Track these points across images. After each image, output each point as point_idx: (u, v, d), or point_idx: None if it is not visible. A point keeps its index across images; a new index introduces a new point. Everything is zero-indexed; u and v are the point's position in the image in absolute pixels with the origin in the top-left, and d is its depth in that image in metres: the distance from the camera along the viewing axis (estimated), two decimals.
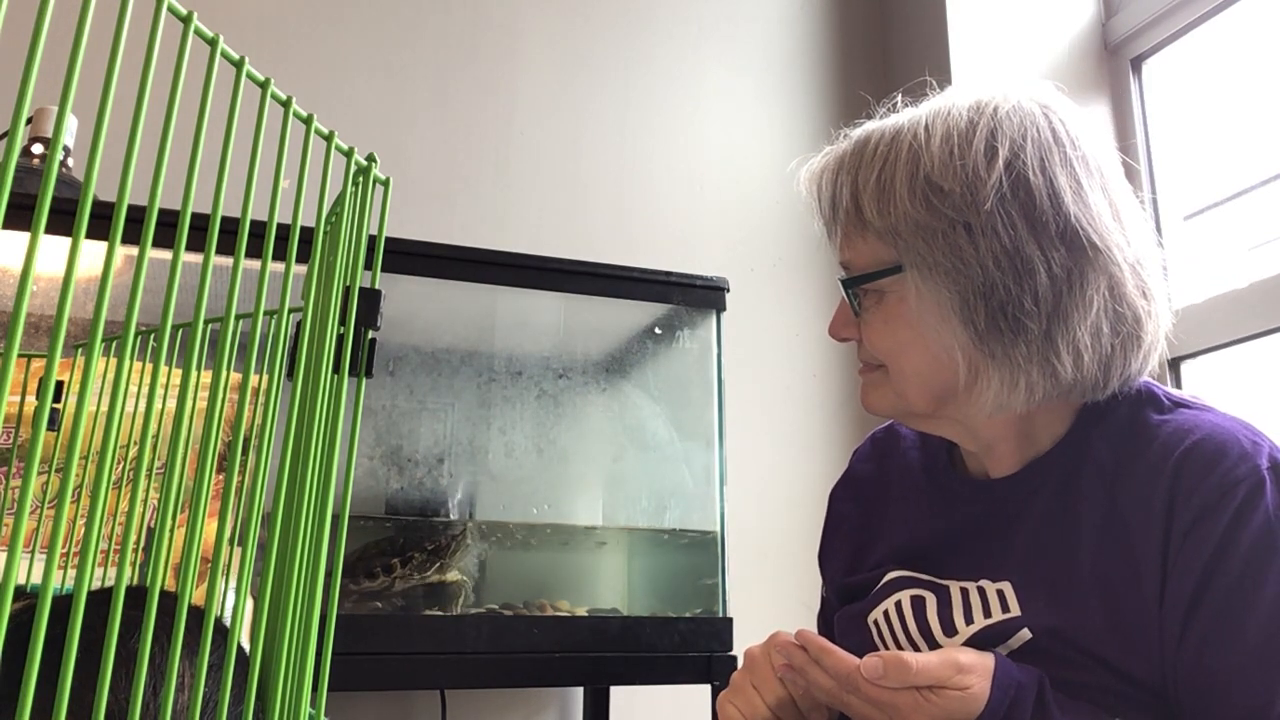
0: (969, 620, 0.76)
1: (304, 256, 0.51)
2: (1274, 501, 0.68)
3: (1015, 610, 0.75)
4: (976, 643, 0.75)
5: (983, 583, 0.78)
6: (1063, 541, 0.76)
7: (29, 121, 1.28)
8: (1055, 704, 0.67)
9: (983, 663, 0.67)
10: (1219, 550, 0.68)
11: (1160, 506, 0.71)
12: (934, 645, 0.77)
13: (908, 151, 0.75)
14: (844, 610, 0.88)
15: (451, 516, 1.41)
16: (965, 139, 0.74)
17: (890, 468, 0.95)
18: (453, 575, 1.30)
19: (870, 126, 0.81)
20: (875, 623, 0.83)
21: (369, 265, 0.50)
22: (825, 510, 1.00)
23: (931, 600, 0.79)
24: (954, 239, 0.72)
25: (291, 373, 0.47)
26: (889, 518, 0.91)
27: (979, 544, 0.81)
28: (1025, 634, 0.73)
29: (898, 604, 0.81)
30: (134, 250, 0.35)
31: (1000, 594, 0.77)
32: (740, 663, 0.80)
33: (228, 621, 0.64)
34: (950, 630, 0.77)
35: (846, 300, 0.81)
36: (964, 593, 0.78)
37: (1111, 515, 0.74)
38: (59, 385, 0.73)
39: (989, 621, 0.75)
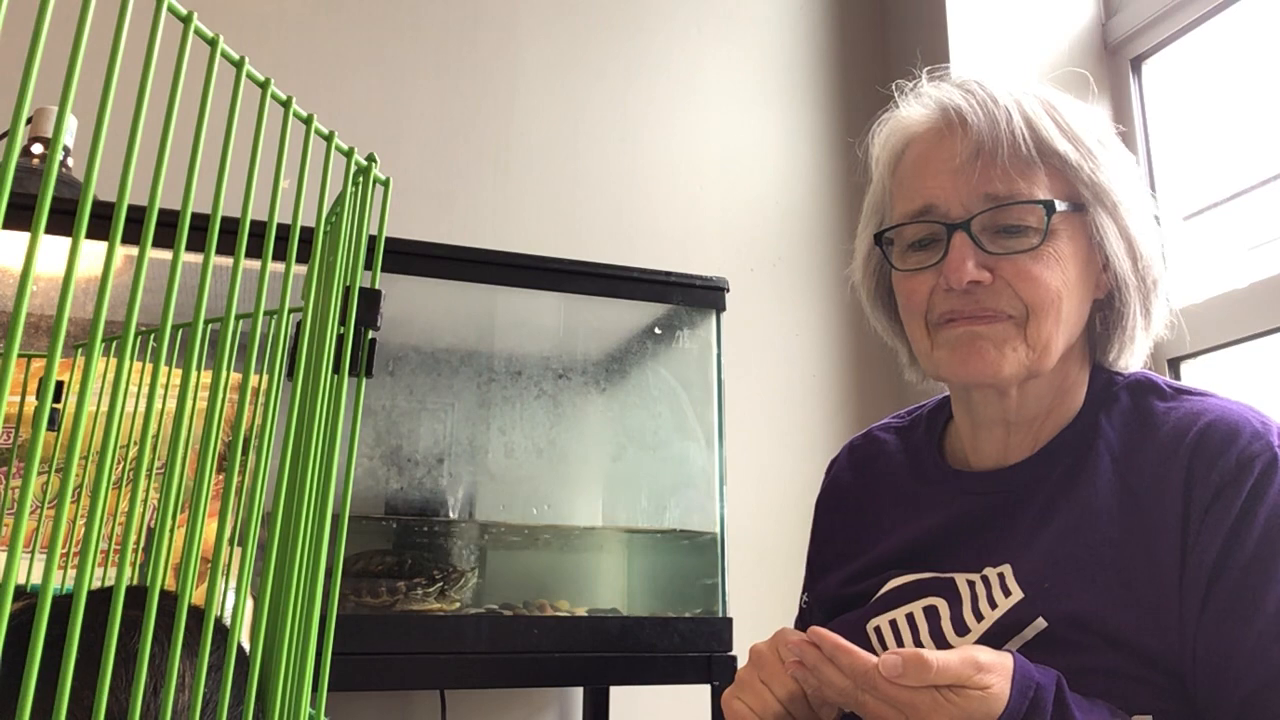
0: (979, 616, 0.76)
1: (304, 256, 0.51)
2: None
3: (1016, 592, 0.75)
4: (990, 638, 0.74)
5: (985, 570, 0.78)
6: (1075, 523, 0.76)
7: (29, 121, 1.28)
8: (1074, 704, 0.66)
9: (1002, 662, 0.66)
10: (1237, 524, 0.70)
11: (1177, 484, 0.72)
12: (944, 646, 0.77)
13: (1048, 108, 0.81)
14: (841, 618, 0.87)
15: (452, 516, 1.41)
16: (1075, 112, 0.82)
17: (874, 474, 0.95)
18: (454, 606, 1.31)
19: (974, 89, 0.83)
20: (877, 630, 0.82)
21: (369, 265, 0.50)
22: (814, 525, 1.00)
23: (943, 606, 0.79)
24: (1122, 185, 0.80)
25: (291, 373, 0.47)
26: (881, 523, 0.90)
27: (983, 533, 0.81)
28: (1040, 623, 0.73)
29: (909, 616, 0.81)
30: (134, 250, 0.35)
31: (1000, 577, 0.77)
32: (741, 662, 0.80)
33: (228, 621, 0.64)
34: (962, 630, 0.77)
35: (972, 242, 0.78)
36: (970, 585, 0.78)
37: (1124, 496, 0.75)
38: (59, 385, 0.73)
39: (998, 614, 0.75)
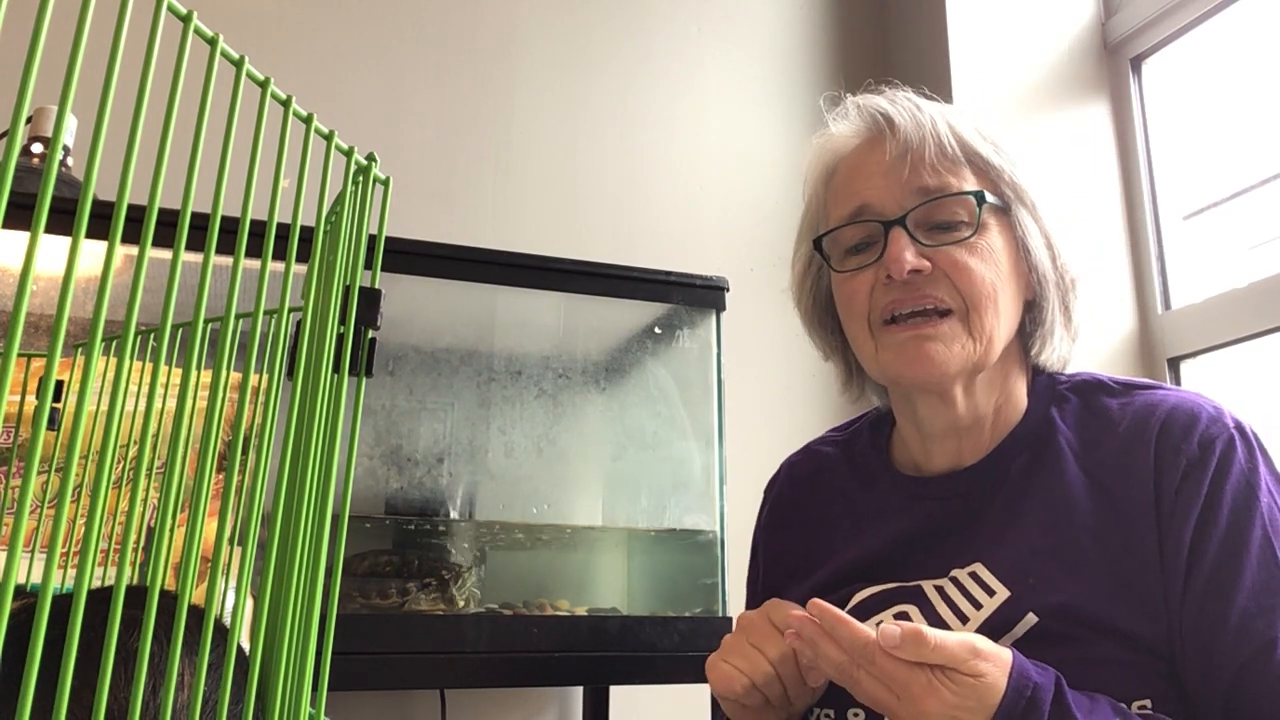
0: (962, 619, 0.76)
1: (304, 256, 0.51)
2: (1244, 455, 0.75)
3: (1001, 591, 0.75)
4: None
5: (954, 572, 0.78)
6: (1048, 517, 0.77)
7: (29, 121, 1.28)
8: (1075, 705, 0.65)
9: (1000, 655, 0.66)
10: (1207, 504, 0.73)
11: (1145, 472, 0.75)
12: None
13: (967, 117, 0.85)
14: None
15: (452, 516, 1.41)
16: (990, 124, 0.86)
17: (819, 488, 0.95)
18: (459, 603, 1.32)
19: (897, 98, 0.87)
20: None
21: (369, 265, 0.50)
22: (759, 546, 1.00)
23: (915, 613, 0.79)
24: (1037, 189, 0.84)
25: (291, 372, 0.47)
26: (835, 537, 0.90)
27: (946, 538, 0.82)
28: (1031, 619, 0.73)
29: (879, 625, 0.80)
30: (134, 250, 0.35)
31: (974, 576, 0.77)
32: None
33: (228, 621, 0.64)
34: None
35: (909, 236, 0.80)
36: (939, 590, 0.78)
37: (1093, 489, 0.77)
38: (59, 385, 0.73)
39: (984, 615, 0.75)
